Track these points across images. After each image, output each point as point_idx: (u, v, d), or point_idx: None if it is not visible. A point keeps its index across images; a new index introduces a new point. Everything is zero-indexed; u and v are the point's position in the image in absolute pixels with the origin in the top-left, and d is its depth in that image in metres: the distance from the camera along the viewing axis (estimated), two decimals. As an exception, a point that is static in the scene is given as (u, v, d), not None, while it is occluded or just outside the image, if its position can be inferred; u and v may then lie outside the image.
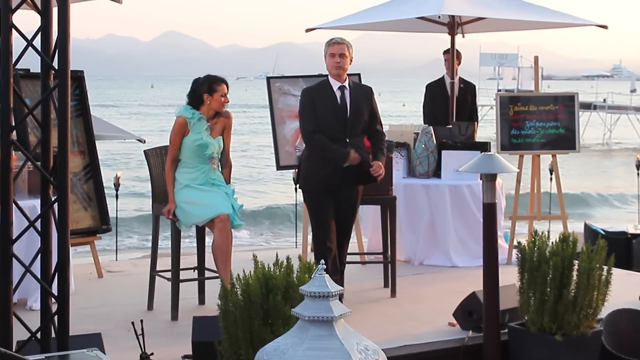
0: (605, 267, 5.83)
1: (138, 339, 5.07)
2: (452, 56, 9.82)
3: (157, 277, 6.95)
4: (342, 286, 4.36)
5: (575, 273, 5.75)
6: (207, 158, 6.66)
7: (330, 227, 6.62)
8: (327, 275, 3.58)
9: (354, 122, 6.65)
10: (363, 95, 6.76)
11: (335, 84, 6.67)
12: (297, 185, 6.85)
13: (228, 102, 6.71)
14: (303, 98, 6.74)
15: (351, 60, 6.73)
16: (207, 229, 6.82)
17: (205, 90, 6.62)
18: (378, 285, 7.71)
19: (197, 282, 7.07)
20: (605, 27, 9.92)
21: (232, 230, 6.57)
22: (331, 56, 6.65)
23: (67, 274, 4.53)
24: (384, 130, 6.93)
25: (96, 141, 8.26)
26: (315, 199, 6.70)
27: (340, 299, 3.67)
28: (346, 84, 6.69)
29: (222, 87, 6.65)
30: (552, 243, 5.84)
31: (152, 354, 5.10)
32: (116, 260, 10.69)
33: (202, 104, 6.64)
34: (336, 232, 6.67)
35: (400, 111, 67.17)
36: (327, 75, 6.78)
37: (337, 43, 6.65)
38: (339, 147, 6.60)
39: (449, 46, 9.94)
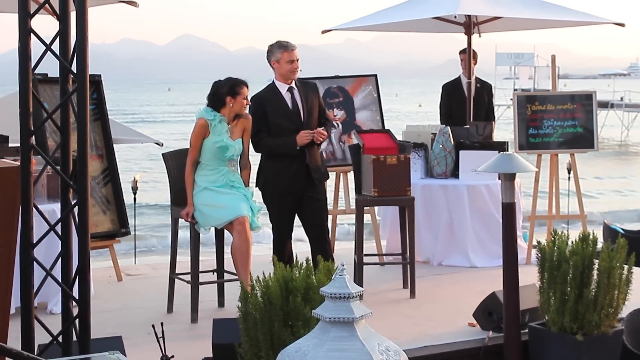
0: (626, 266, 5.80)
1: (158, 341, 5.08)
2: (468, 56, 9.81)
3: (176, 280, 6.97)
4: None
5: (595, 272, 5.72)
6: (227, 160, 6.67)
7: (288, 229, 6.93)
8: (348, 276, 3.57)
9: (308, 120, 6.87)
10: (311, 91, 6.97)
11: (283, 87, 6.86)
12: (257, 188, 7.06)
13: (249, 104, 6.76)
14: (253, 105, 6.86)
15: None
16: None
17: (229, 93, 6.64)
18: (397, 286, 7.71)
19: (216, 284, 7.09)
20: (622, 25, 9.89)
21: (251, 232, 6.59)
22: (289, 62, 6.80)
23: (87, 277, 4.54)
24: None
25: (114, 144, 8.29)
26: (278, 201, 6.90)
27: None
28: (292, 84, 6.90)
29: (244, 90, 6.68)
30: (572, 242, 5.82)
31: (172, 356, 5.11)
32: (135, 263, 10.71)
33: (223, 107, 6.66)
34: (312, 228, 6.96)
35: (417, 112, 67.08)
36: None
37: (294, 49, 6.85)
38: (284, 138, 6.80)
39: (465, 46, 9.92)
